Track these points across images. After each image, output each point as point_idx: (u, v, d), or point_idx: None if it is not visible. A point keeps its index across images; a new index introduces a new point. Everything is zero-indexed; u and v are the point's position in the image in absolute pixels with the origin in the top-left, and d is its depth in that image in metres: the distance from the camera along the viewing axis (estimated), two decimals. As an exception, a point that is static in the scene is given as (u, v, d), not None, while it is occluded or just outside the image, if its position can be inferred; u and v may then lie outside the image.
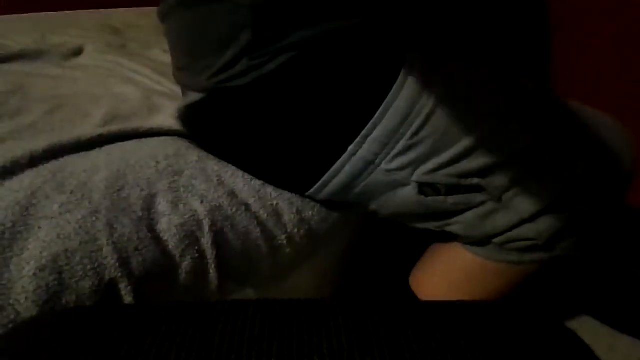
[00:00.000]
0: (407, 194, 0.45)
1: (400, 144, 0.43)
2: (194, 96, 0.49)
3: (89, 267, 0.36)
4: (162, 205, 0.42)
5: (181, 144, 0.49)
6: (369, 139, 0.43)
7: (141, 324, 0.23)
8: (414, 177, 0.44)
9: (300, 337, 0.23)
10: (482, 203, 0.46)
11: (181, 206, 0.42)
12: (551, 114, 0.48)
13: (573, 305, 0.87)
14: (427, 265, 0.61)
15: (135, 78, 0.68)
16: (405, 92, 0.42)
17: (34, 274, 0.34)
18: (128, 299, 0.37)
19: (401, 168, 0.44)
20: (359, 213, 0.61)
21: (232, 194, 0.45)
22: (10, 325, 0.33)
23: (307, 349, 0.22)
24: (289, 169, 0.47)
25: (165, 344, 0.22)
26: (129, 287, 0.37)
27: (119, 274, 0.37)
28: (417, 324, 0.25)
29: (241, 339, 0.23)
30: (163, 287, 0.40)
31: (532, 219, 0.46)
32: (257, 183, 0.48)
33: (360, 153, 0.43)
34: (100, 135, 0.47)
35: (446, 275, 0.57)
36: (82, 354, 0.21)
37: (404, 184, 0.45)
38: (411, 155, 0.43)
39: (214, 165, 0.48)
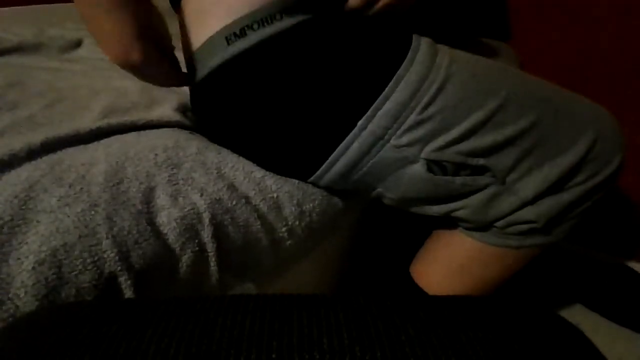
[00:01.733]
0: (416, 172, 0.46)
1: (410, 118, 0.43)
2: (203, 71, 0.47)
3: (88, 260, 0.35)
4: (162, 198, 0.41)
5: (180, 136, 0.49)
6: (380, 112, 0.43)
7: (140, 318, 0.23)
8: (423, 154, 0.45)
9: (300, 332, 0.23)
10: (487, 186, 0.47)
11: (181, 199, 0.42)
12: (548, 98, 0.49)
13: (573, 300, 0.87)
14: (426, 253, 0.61)
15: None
16: (415, 67, 0.44)
17: (33, 268, 0.34)
18: (128, 292, 0.37)
19: (410, 144, 0.44)
20: (359, 206, 0.60)
21: (232, 187, 0.45)
22: (10, 320, 0.33)
23: (307, 344, 0.22)
24: (297, 147, 0.47)
25: (165, 339, 0.22)
26: (129, 281, 0.37)
27: (119, 268, 0.36)
28: (418, 319, 0.25)
29: (241, 334, 0.22)
30: (163, 280, 0.40)
31: (533, 201, 0.48)
32: (257, 175, 0.47)
33: (370, 127, 0.44)
34: (99, 128, 0.47)
35: (446, 261, 0.58)
36: (80, 348, 0.21)
37: (412, 161, 0.45)
38: (420, 131, 0.44)
39: (213, 157, 0.47)
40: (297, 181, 0.50)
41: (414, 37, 0.46)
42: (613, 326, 0.82)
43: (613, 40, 0.90)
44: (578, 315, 0.84)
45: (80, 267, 0.35)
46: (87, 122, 0.48)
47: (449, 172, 0.46)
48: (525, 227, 0.50)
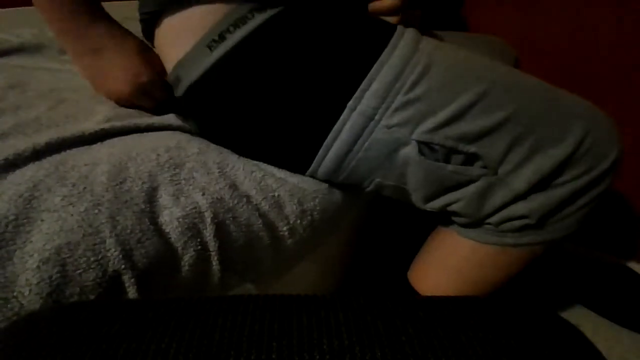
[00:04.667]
0: (409, 155, 0.47)
1: (398, 98, 0.45)
2: (190, 79, 0.49)
3: (92, 259, 0.36)
4: (164, 198, 0.42)
5: (182, 137, 0.49)
6: (367, 93, 0.45)
7: (141, 319, 0.23)
8: (414, 136, 0.46)
9: (300, 333, 0.23)
10: (480, 177, 0.48)
11: (182, 199, 0.42)
12: (534, 89, 0.49)
13: (573, 300, 0.87)
14: (423, 257, 0.61)
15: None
16: (398, 51, 0.46)
17: (37, 267, 0.34)
18: (132, 290, 0.37)
19: (400, 124, 0.45)
20: (360, 205, 0.60)
21: (233, 186, 0.45)
22: (15, 318, 0.33)
23: (307, 345, 0.22)
24: (292, 137, 0.48)
25: (165, 339, 0.22)
26: (132, 279, 0.37)
27: (122, 266, 0.37)
28: (417, 320, 0.25)
29: (241, 335, 0.23)
30: (166, 279, 0.40)
31: (525, 194, 0.48)
32: (258, 175, 0.48)
33: (359, 108, 0.45)
34: (102, 129, 0.47)
35: (442, 264, 0.57)
36: (81, 349, 0.21)
37: (404, 142, 0.46)
38: (410, 111, 0.45)
39: (215, 157, 0.48)
40: (297, 180, 0.50)
41: (399, 26, 0.48)
42: (613, 327, 0.82)
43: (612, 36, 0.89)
44: (578, 316, 0.84)
45: (84, 265, 0.35)
46: (91, 124, 0.49)
47: (441, 158, 0.47)
48: (518, 223, 0.50)
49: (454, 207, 0.51)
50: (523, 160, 0.47)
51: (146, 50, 0.53)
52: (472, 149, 0.46)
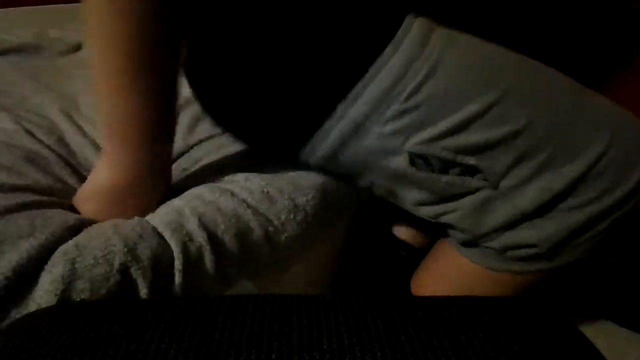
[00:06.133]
0: (399, 165, 0.42)
1: (394, 107, 0.40)
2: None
3: (99, 255, 0.36)
4: None
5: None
6: (360, 99, 0.40)
7: (141, 319, 0.23)
8: (407, 146, 0.41)
9: (300, 333, 0.23)
10: (479, 190, 0.43)
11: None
12: (556, 95, 0.43)
13: (573, 300, 0.87)
14: (425, 265, 0.58)
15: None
16: (400, 54, 0.39)
17: (50, 271, 0.34)
18: (140, 280, 0.37)
19: (393, 133, 0.41)
20: (355, 201, 0.60)
21: (212, 186, 0.45)
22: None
23: (307, 345, 0.22)
24: (282, 123, 0.44)
25: (165, 340, 0.22)
26: (139, 271, 0.37)
27: (129, 258, 0.37)
28: (417, 320, 0.25)
29: (241, 335, 0.23)
30: (168, 271, 0.40)
31: (532, 216, 0.43)
32: (241, 177, 0.48)
33: (351, 113, 0.41)
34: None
35: (441, 276, 0.54)
36: (80, 349, 0.21)
37: (395, 152, 0.42)
38: (405, 121, 0.40)
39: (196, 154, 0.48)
40: (287, 176, 0.50)
41: (408, 16, 0.41)
42: (614, 327, 0.82)
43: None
44: (578, 316, 0.84)
45: (92, 261, 0.36)
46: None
47: (436, 169, 0.42)
48: (525, 252, 0.45)
49: (449, 219, 0.46)
50: (531, 175, 0.42)
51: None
52: (471, 160, 0.41)
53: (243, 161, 0.51)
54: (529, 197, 0.42)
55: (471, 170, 0.43)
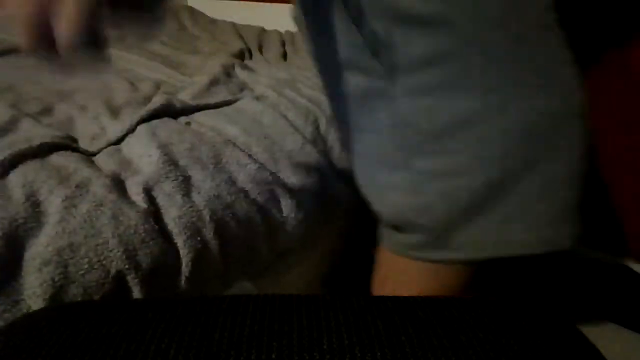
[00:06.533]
0: None
1: None
2: None
3: (94, 260, 0.36)
4: (161, 197, 0.42)
5: (173, 129, 0.49)
6: None
7: (141, 319, 0.23)
8: None
9: (300, 333, 0.23)
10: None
11: (178, 197, 0.42)
12: None
13: (573, 300, 0.87)
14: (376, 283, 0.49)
15: (134, 70, 0.68)
16: None
17: (39, 269, 0.34)
18: (136, 290, 0.37)
19: None
20: (354, 200, 0.60)
21: (230, 181, 0.45)
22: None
23: (307, 345, 0.22)
24: None
25: (165, 339, 0.22)
26: (136, 280, 0.37)
27: (126, 266, 0.37)
28: (417, 320, 0.25)
29: (241, 334, 0.23)
30: (169, 277, 0.40)
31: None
32: (253, 168, 0.48)
33: None
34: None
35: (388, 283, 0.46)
36: (80, 349, 0.21)
37: None
38: None
39: (207, 151, 0.47)
40: (291, 173, 0.50)
41: None
42: (613, 327, 0.82)
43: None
44: (578, 316, 0.84)
45: (86, 266, 0.35)
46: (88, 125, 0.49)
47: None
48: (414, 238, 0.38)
49: None
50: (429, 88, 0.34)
51: None
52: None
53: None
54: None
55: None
